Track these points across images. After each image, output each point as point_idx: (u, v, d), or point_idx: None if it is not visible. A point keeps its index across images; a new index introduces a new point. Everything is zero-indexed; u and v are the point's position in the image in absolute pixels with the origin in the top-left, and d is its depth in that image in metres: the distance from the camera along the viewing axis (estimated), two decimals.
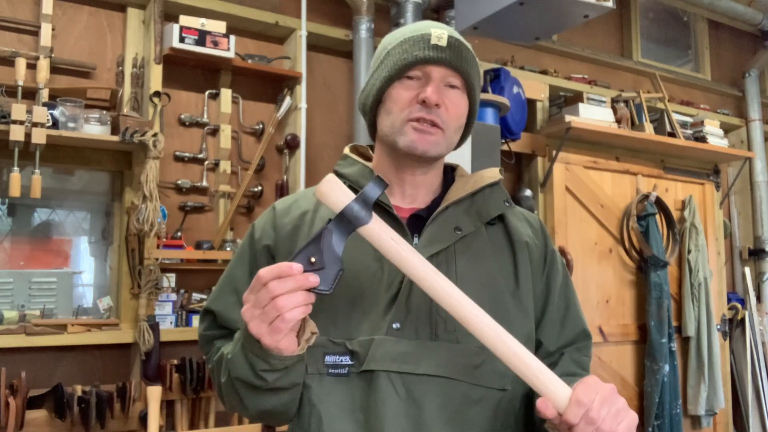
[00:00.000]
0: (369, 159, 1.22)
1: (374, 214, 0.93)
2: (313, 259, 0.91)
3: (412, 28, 1.13)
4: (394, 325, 1.03)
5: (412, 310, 1.04)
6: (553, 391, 0.89)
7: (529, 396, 1.10)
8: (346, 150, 1.23)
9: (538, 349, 1.14)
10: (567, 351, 1.16)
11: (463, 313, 0.92)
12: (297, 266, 0.89)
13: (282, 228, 1.14)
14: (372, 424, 1.00)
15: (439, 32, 1.09)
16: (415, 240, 1.09)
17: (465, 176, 1.20)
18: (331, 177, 0.94)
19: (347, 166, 1.18)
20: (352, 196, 0.93)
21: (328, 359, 1.03)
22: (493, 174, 1.19)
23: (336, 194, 0.93)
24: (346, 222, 0.92)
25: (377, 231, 0.93)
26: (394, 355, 1.01)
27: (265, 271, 0.89)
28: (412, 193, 1.15)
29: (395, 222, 1.08)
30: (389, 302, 1.04)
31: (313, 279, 0.89)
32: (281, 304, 0.88)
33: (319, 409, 1.02)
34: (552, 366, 1.13)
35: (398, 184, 1.15)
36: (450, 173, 1.23)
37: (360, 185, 1.11)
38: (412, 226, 1.10)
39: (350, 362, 1.03)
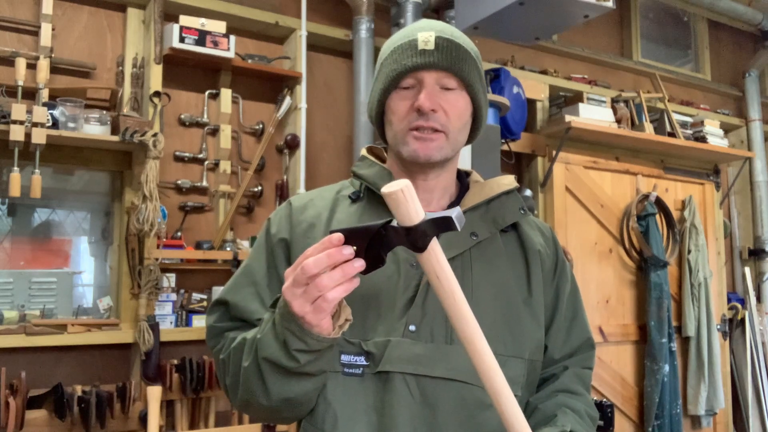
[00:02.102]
0: (383, 160, 1.22)
1: (432, 245, 0.87)
2: (354, 248, 0.87)
3: (401, 34, 1.12)
4: (410, 328, 1.03)
5: (428, 313, 1.04)
6: None
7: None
8: (364, 151, 1.23)
9: (543, 354, 1.15)
10: (570, 364, 1.17)
11: (478, 361, 0.90)
12: (337, 236, 0.86)
13: (298, 225, 1.14)
14: (386, 425, 1.00)
15: (426, 35, 1.08)
16: None
17: (480, 182, 1.20)
18: (409, 186, 0.86)
19: (365, 167, 1.18)
20: (419, 218, 0.86)
21: (344, 359, 1.03)
22: (509, 181, 1.19)
23: (408, 208, 0.86)
24: (401, 236, 0.87)
25: (427, 264, 0.88)
26: (409, 357, 1.01)
27: (310, 249, 0.88)
28: (426, 196, 1.15)
29: None
30: (406, 304, 1.04)
31: (347, 252, 0.86)
32: (323, 284, 0.86)
33: (334, 408, 1.02)
34: (554, 378, 1.15)
35: None
36: (465, 178, 1.23)
37: (379, 187, 1.11)
38: None
39: (365, 363, 1.03)
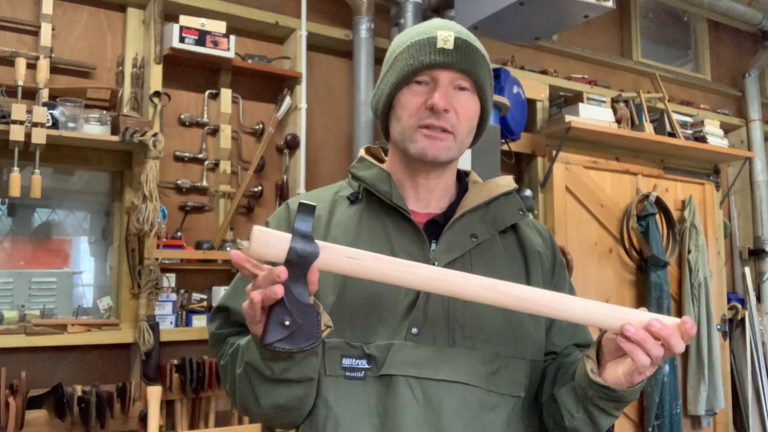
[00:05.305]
0: (382, 161, 1.22)
1: (318, 243, 0.87)
2: (286, 322, 0.85)
3: (418, 30, 1.11)
4: (412, 330, 1.03)
5: (430, 315, 1.04)
6: (632, 318, 0.92)
7: (538, 402, 1.12)
8: (362, 152, 1.22)
9: (547, 355, 1.15)
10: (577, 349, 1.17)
11: (469, 290, 0.91)
12: (281, 269, 0.84)
13: None
14: (389, 429, 1.00)
15: (446, 34, 1.07)
16: (433, 246, 1.09)
17: (479, 183, 1.20)
18: (256, 231, 0.86)
19: (364, 169, 1.17)
20: (287, 239, 0.86)
21: (345, 362, 1.03)
22: (507, 182, 1.19)
23: (271, 246, 0.85)
24: (296, 267, 0.85)
25: (332, 258, 0.88)
26: (412, 360, 1.02)
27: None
28: (426, 196, 1.15)
29: (412, 228, 1.09)
30: (408, 307, 1.04)
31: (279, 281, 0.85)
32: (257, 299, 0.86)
33: (336, 412, 1.02)
34: (564, 356, 1.14)
35: (412, 187, 1.15)
36: (463, 178, 1.23)
37: (377, 189, 1.11)
38: (429, 232, 1.10)
39: (367, 366, 1.02)
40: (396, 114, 1.11)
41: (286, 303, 0.85)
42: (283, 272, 0.83)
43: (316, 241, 0.87)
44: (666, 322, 0.91)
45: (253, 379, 0.98)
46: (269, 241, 0.86)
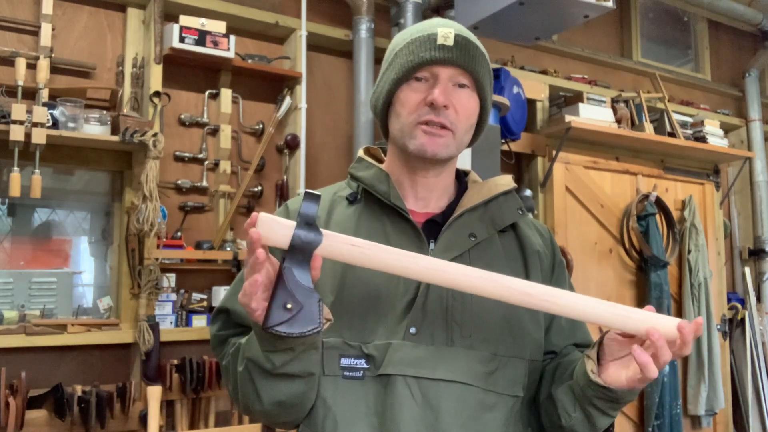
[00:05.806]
0: (381, 161, 1.22)
1: (323, 230, 0.90)
2: (289, 305, 0.87)
3: (419, 27, 1.12)
4: (410, 330, 1.03)
5: (428, 315, 1.04)
6: (654, 322, 0.93)
7: (538, 402, 1.12)
8: (360, 152, 1.22)
9: (546, 355, 1.15)
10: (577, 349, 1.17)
11: (468, 282, 0.92)
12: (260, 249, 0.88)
13: None
14: (387, 428, 1.00)
15: (446, 31, 1.07)
16: (431, 246, 1.09)
17: (478, 182, 1.20)
18: (262, 216, 0.89)
19: (362, 169, 1.17)
20: (292, 225, 0.89)
21: (344, 362, 1.03)
22: (507, 182, 1.19)
23: (276, 231, 0.88)
24: (299, 252, 0.88)
25: (335, 245, 0.90)
26: (411, 359, 1.02)
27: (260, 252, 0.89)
28: (426, 195, 1.15)
29: (411, 228, 1.09)
30: (406, 307, 1.04)
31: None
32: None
33: (334, 412, 1.02)
34: (564, 355, 1.15)
35: (411, 186, 1.15)
36: (462, 178, 1.23)
37: (376, 189, 1.12)
38: (428, 231, 1.10)
39: (365, 366, 1.02)
40: (396, 111, 1.11)
41: (288, 286, 0.87)
42: (262, 245, 0.87)
43: (320, 229, 0.90)
44: (668, 324, 0.92)
45: (255, 375, 0.99)
46: (274, 227, 0.89)
